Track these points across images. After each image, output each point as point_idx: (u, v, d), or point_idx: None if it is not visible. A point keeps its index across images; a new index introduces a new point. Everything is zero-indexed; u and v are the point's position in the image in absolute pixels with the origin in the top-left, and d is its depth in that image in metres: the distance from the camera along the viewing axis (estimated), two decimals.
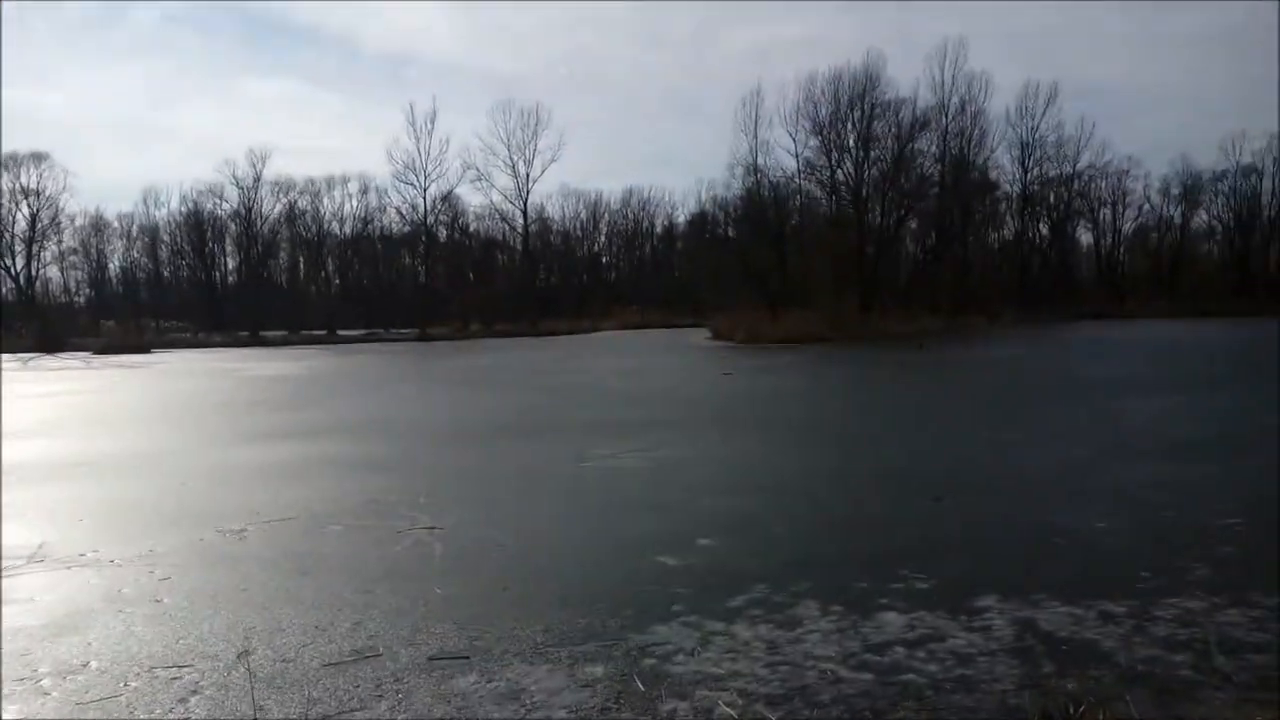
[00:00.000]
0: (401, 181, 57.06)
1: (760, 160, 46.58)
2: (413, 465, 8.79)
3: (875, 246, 44.22)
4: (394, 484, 7.68)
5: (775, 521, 6.04)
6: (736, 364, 23.22)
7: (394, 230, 65.44)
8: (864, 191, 44.59)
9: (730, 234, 51.92)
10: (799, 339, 33.65)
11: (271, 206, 62.16)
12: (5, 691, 3.55)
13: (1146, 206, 64.88)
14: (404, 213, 59.84)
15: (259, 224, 61.48)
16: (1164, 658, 3.60)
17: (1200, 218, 64.33)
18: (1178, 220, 64.20)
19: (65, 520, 6.62)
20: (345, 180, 63.81)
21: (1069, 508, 6.17)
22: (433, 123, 55.83)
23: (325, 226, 65.09)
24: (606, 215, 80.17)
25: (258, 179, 59.32)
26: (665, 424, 11.30)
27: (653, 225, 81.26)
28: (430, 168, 55.90)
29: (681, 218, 79.13)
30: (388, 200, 62.02)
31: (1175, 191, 63.12)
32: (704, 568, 5.00)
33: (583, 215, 79.13)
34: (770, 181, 46.84)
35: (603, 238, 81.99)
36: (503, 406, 14.45)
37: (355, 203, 64.31)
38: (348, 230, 65.75)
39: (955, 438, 9.95)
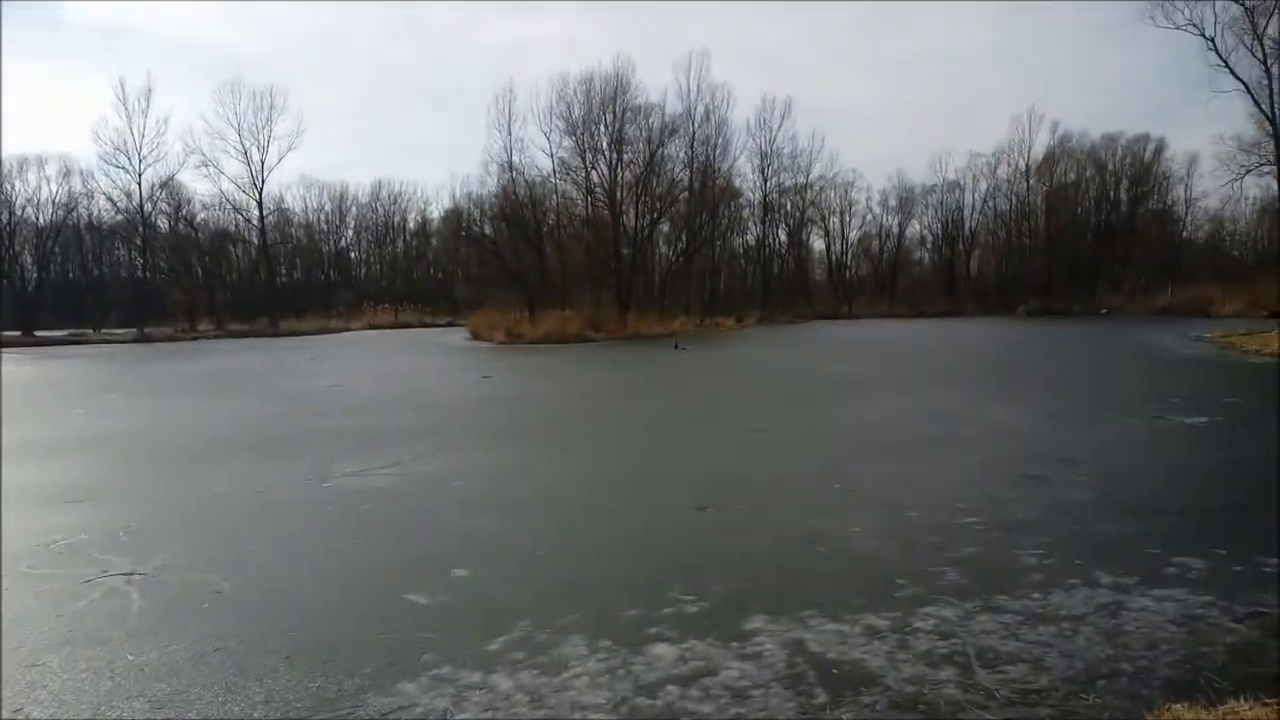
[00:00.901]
0: (111, 164, 50.65)
1: (515, 158, 46.13)
2: (115, 494, 7.51)
3: (630, 248, 45.12)
4: (89, 519, 6.47)
5: (537, 542, 5.63)
6: (495, 366, 22.63)
7: (104, 219, 58.30)
8: (618, 193, 45.36)
9: (487, 231, 50.94)
10: (558, 339, 33.59)
11: None
12: None
13: (869, 216, 71.37)
14: (115, 199, 53.34)
15: None
16: (929, 675, 3.57)
17: (914, 227, 71.68)
18: (895, 230, 71.14)
19: None
20: (42, 161, 55.88)
21: (824, 512, 6.26)
22: (148, 100, 50.01)
23: (19, 212, 56.70)
24: (354, 209, 76.31)
25: None
26: (419, 434, 10.57)
27: (405, 220, 78.37)
28: (146, 150, 50.07)
29: (435, 213, 76.81)
30: (95, 185, 55.04)
31: (893, 203, 69.91)
32: (459, 604, 4.49)
33: (328, 208, 74.78)
34: (526, 180, 46.51)
35: (351, 232, 77.98)
36: (233, 418, 12.99)
37: (55, 187, 56.52)
38: (46, 217, 57.69)
39: (715, 441, 10.05)
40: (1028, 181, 64.57)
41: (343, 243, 77.40)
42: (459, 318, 53.24)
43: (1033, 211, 64.65)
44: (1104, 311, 52.60)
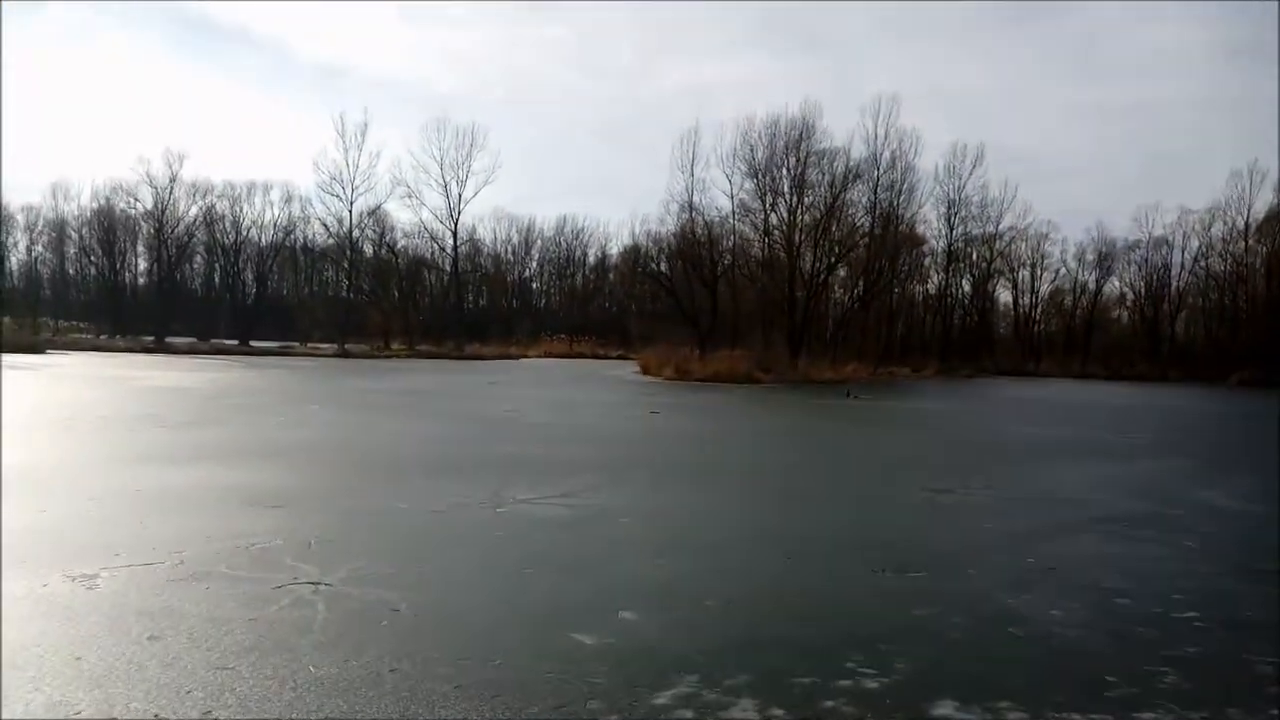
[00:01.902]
0: (327, 193, 55.48)
1: (695, 198, 46.70)
2: (307, 502, 7.95)
3: (806, 291, 44.52)
4: (282, 524, 6.86)
5: (707, 591, 5.45)
6: (664, 401, 22.73)
7: (317, 242, 63.54)
8: (796, 237, 44.95)
9: (663, 269, 51.73)
10: (727, 378, 33.42)
11: (187, 209, 59.68)
12: None
13: (1062, 270, 67.26)
14: (328, 225, 58.13)
15: (173, 226, 58.86)
16: None
17: (1113, 284, 66.92)
18: (1091, 285, 66.67)
19: None
20: (268, 187, 61.72)
21: (1018, 589, 5.74)
22: (363, 135, 54.55)
23: (244, 233, 62.75)
24: (539, 241, 79.65)
25: (173, 179, 56.93)
26: (588, 465, 10.66)
27: (585, 255, 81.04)
28: (358, 181, 54.51)
29: (614, 249, 79.01)
30: (312, 210, 60.19)
31: (1090, 258, 65.60)
32: (626, 649, 4.37)
33: (515, 239, 78.54)
34: (705, 220, 46.94)
35: (534, 264, 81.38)
36: (417, 436, 13.61)
37: (277, 211, 62.23)
38: (267, 239, 63.51)
39: (895, 499, 9.55)
40: (1246, 242, 59.03)
41: (526, 273, 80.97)
42: (630, 351, 54.17)
43: (1251, 274, 58.96)
44: None
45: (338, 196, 55.01)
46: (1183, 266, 62.78)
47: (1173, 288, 63.68)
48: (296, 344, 53.46)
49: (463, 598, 5.20)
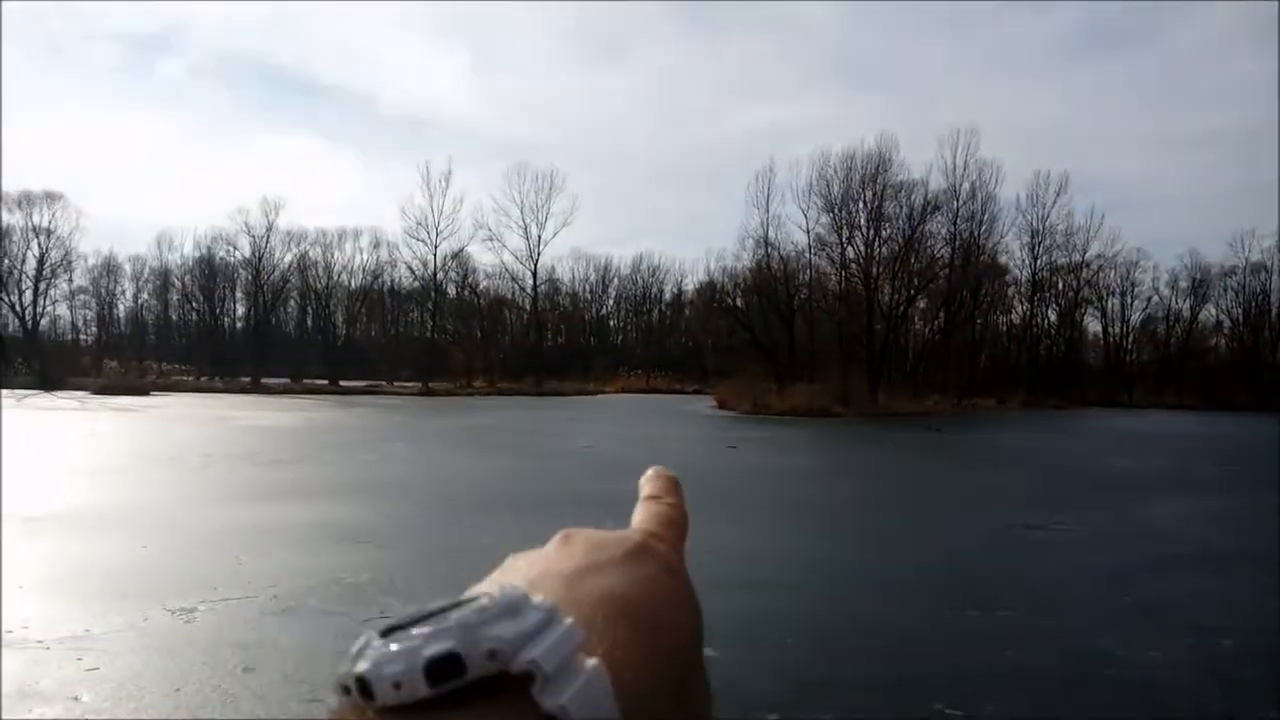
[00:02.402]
0: (413, 237, 57.35)
1: (771, 233, 46.71)
2: (394, 538, 8.17)
3: (885, 324, 43.89)
4: (370, 560, 7.06)
5: (789, 629, 5.41)
6: (742, 436, 22.61)
7: (403, 285, 65.51)
8: (874, 269, 44.50)
9: (739, 304, 51.68)
10: (805, 412, 33.09)
11: (282, 256, 62.28)
12: None
13: (1155, 298, 64.83)
14: (414, 268, 59.95)
15: (269, 272, 61.48)
16: None
17: (1208, 312, 64.17)
18: (1186, 313, 64.04)
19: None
20: (357, 234, 64.01)
21: (1115, 629, 5.53)
22: (447, 181, 56.25)
23: (335, 278, 65.12)
24: (616, 280, 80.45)
25: (270, 228, 59.52)
26: None
27: (661, 291, 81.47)
28: (442, 225, 56.21)
29: (690, 285, 79.21)
30: (398, 255, 62.17)
31: (1184, 285, 63.13)
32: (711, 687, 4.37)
33: (592, 278, 79.44)
34: (780, 255, 46.85)
35: (611, 301, 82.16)
36: (499, 472, 13.84)
37: (366, 256, 64.43)
38: (357, 283, 65.77)
39: (983, 535, 9.31)
40: None
41: (603, 311, 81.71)
42: (706, 386, 54.07)
43: None
44: None
45: (423, 241, 56.84)
46: None
47: (1273, 314, 60.74)
48: (383, 383, 54.96)
49: None
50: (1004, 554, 8.19)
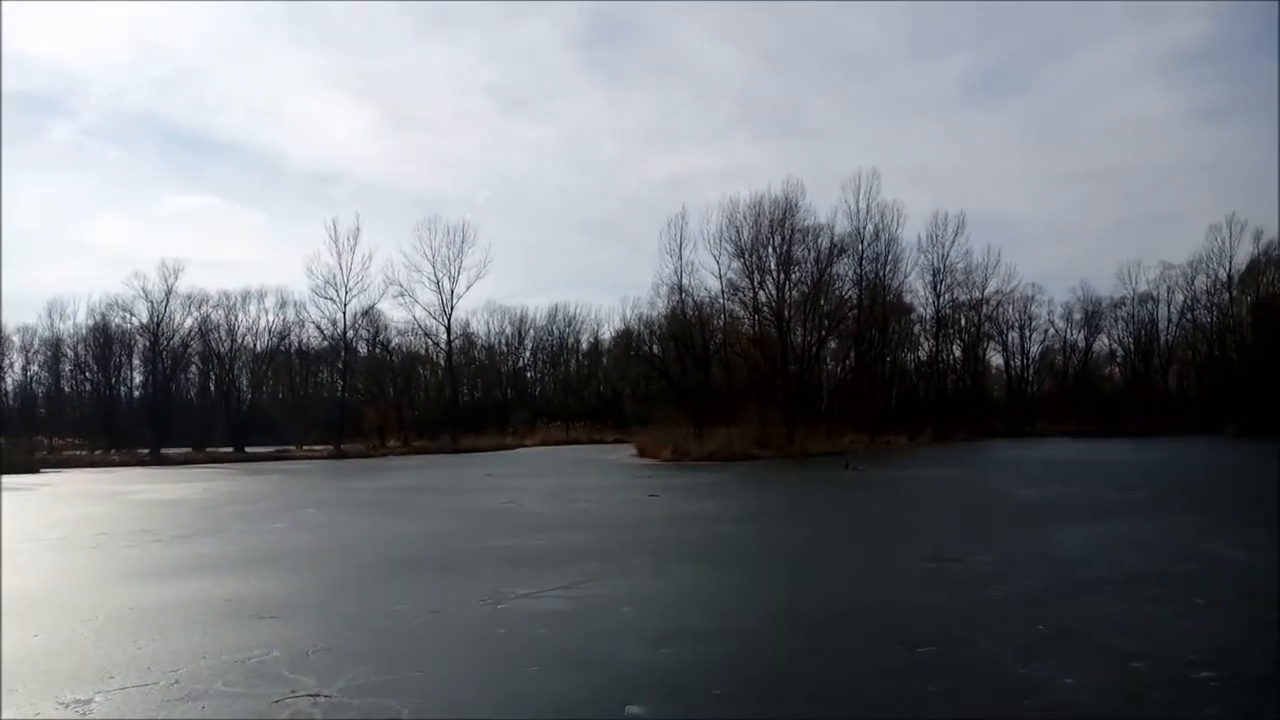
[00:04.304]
0: (321, 296, 55.97)
1: (684, 280, 47.33)
2: (305, 610, 7.82)
3: (798, 365, 44.73)
4: (281, 635, 6.73)
5: (715, 680, 5.35)
6: (662, 484, 22.59)
7: (311, 345, 63.92)
8: (786, 312, 45.40)
9: (655, 350, 52.05)
10: (725, 457, 33.31)
11: (182, 320, 60.11)
12: None
13: (1051, 330, 67.95)
14: (322, 327, 58.57)
15: (168, 337, 59.20)
16: None
17: (1102, 341, 67.51)
18: (1081, 344, 67.24)
19: None
20: (262, 294, 62.28)
21: (1033, 657, 5.64)
22: (355, 239, 55.28)
23: (239, 340, 63.09)
24: (532, 331, 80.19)
25: (169, 292, 57.44)
26: (588, 554, 10.55)
27: (578, 341, 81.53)
28: (351, 283, 55.09)
29: (607, 334, 79.55)
30: (306, 314, 60.68)
31: (1077, 316, 66.34)
32: None
33: (508, 331, 79.00)
34: (694, 301, 47.47)
35: (528, 353, 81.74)
36: (415, 534, 13.47)
37: (271, 317, 62.69)
38: (263, 344, 63.85)
39: (901, 570, 9.45)
40: (1230, 293, 59.83)
41: (520, 363, 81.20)
42: (626, 435, 54.06)
43: (1238, 324, 59.58)
44: None
45: (331, 299, 55.62)
46: (1169, 320, 63.56)
47: (1161, 342, 64.27)
48: (292, 447, 53.15)
49: (466, 700, 5.09)
50: (922, 589, 8.31)
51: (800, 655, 5.99)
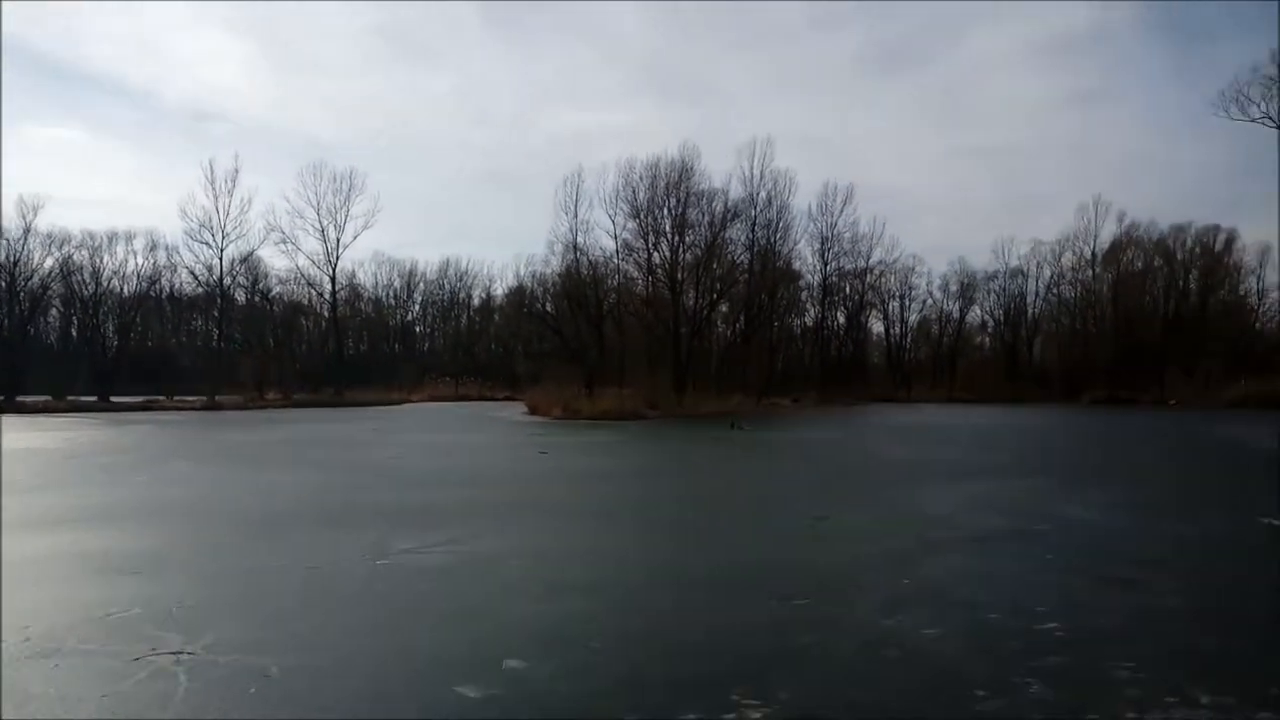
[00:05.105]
0: (195, 240, 53.23)
1: (580, 239, 47.08)
2: (172, 565, 7.51)
3: (689, 327, 45.26)
4: (144, 591, 6.44)
5: (594, 632, 5.41)
6: (552, 441, 22.59)
7: (185, 291, 60.77)
8: (679, 274, 45.78)
9: (549, 309, 51.72)
10: (615, 416, 33.55)
11: (42, 260, 56.13)
12: None
13: (929, 300, 70.89)
14: (197, 273, 55.70)
15: (25, 278, 55.19)
16: None
17: (975, 313, 70.87)
18: (955, 314, 70.39)
19: None
20: (130, 236, 58.66)
21: (898, 611, 5.92)
22: (234, 181, 52.77)
23: (105, 284, 59.38)
24: (422, 285, 78.42)
25: (27, 229, 53.53)
26: (475, 510, 10.47)
27: (470, 297, 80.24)
28: (229, 227, 52.57)
29: (499, 290, 78.59)
30: (179, 259, 57.56)
31: (954, 288, 69.37)
32: (510, 699, 4.29)
33: (396, 284, 77.06)
34: (589, 260, 47.30)
35: (417, 307, 79.99)
36: (295, 489, 13.07)
37: (141, 260, 59.20)
38: (130, 289, 60.29)
39: (780, 528, 9.75)
40: (1093, 270, 63.78)
41: (409, 317, 79.42)
42: (517, 392, 53.79)
43: (1099, 300, 63.54)
44: (1172, 402, 50.86)
45: (207, 244, 52.93)
46: (1037, 294, 67.20)
47: (1029, 314, 67.95)
48: (162, 398, 50.61)
49: (340, 657, 4.99)
50: (799, 545, 8.60)
51: (680, 609, 6.12)
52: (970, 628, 5.51)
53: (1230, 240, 59.94)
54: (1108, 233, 62.85)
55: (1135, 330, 60.12)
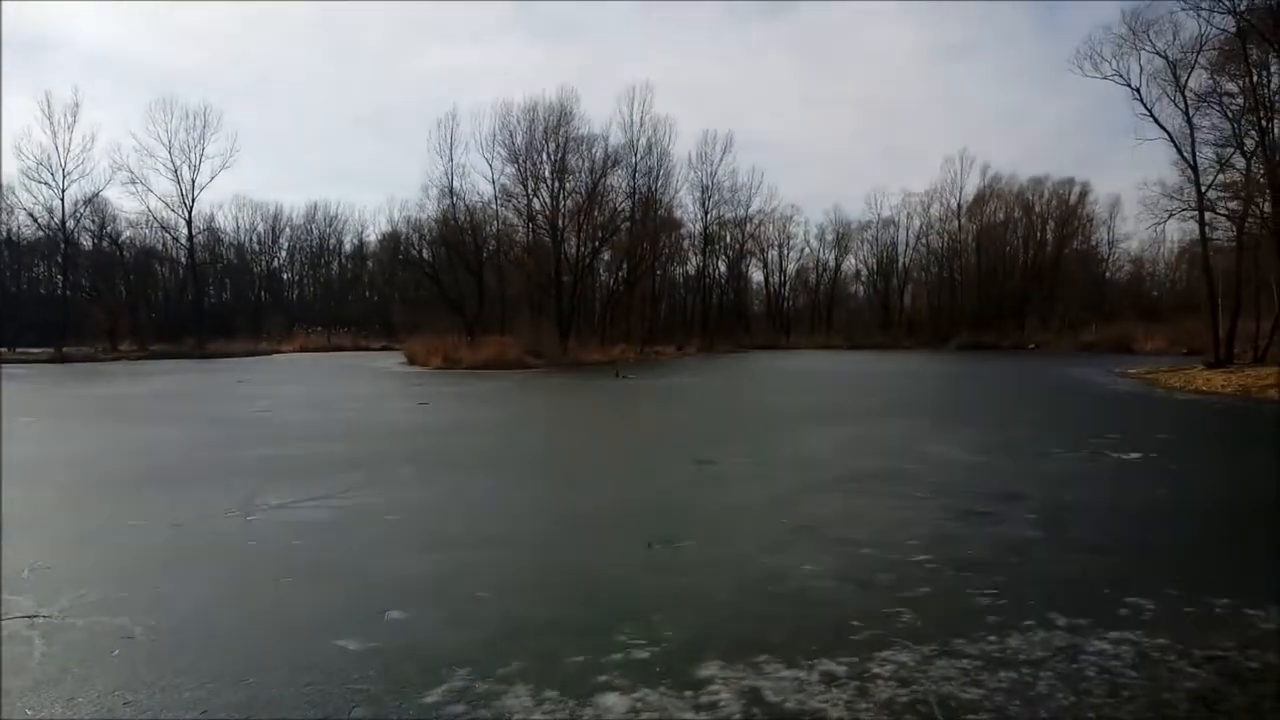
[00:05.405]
0: (33, 179, 48.89)
1: (456, 183, 45.82)
2: (21, 526, 6.98)
3: (571, 275, 44.97)
4: None
5: (476, 583, 5.34)
6: (432, 392, 22.15)
7: (23, 235, 56.04)
8: (560, 221, 45.27)
9: (425, 256, 50.32)
10: (498, 365, 33.16)
11: None
12: None
13: (806, 249, 72.63)
14: (36, 215, 51.36)
15: None
16: None
17: (850, 262, 73.12)
18: (831, 263, 72.46)
19: None
20: None
21: (776, 549, 6.10)
22: (74, 116, 48.46)
23: None
24: (288, 230, 74.85)
25: None
26: (351, 463, 10.16)
27: (341, 243, 77.18)
28: (70, 166, 48.48)
29: (372, 237, 75.94)
30: (15, 200, 52.87)
31: (830, 238, 71.26)
32: (394, 650, 4.20)
33: (260, 228, 73.32)
34: (466, 205, 46.17)
35: (284, 253, 76.42)
36: (152, 445, 12.35)
37: None
38: None
39: (663, 473, 9.88)
40: (959, 220, 66.62)
41: (275, 264, 75.86)
42: (395, 342, 52.41)
43: (964, 249, 66.59)
44: (1032, 346, 54.14)
45: (46, 184, 48.74)
46: (908, 244, 69.78)
47: (900, 264, 70.60)
48: (4, 349, 46.89)
49: (209, 616, 4.77)
50: (683, 489, 8.75)
51: (564, 556, 6.13)
52: (846, 563, 5.73)
53: (1084, 193, 63.68)
54: (972, 185, 65.77)
55: (998, 279, 63.42)
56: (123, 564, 5.84)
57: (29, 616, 4.66)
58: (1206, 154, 29.13)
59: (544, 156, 45.21)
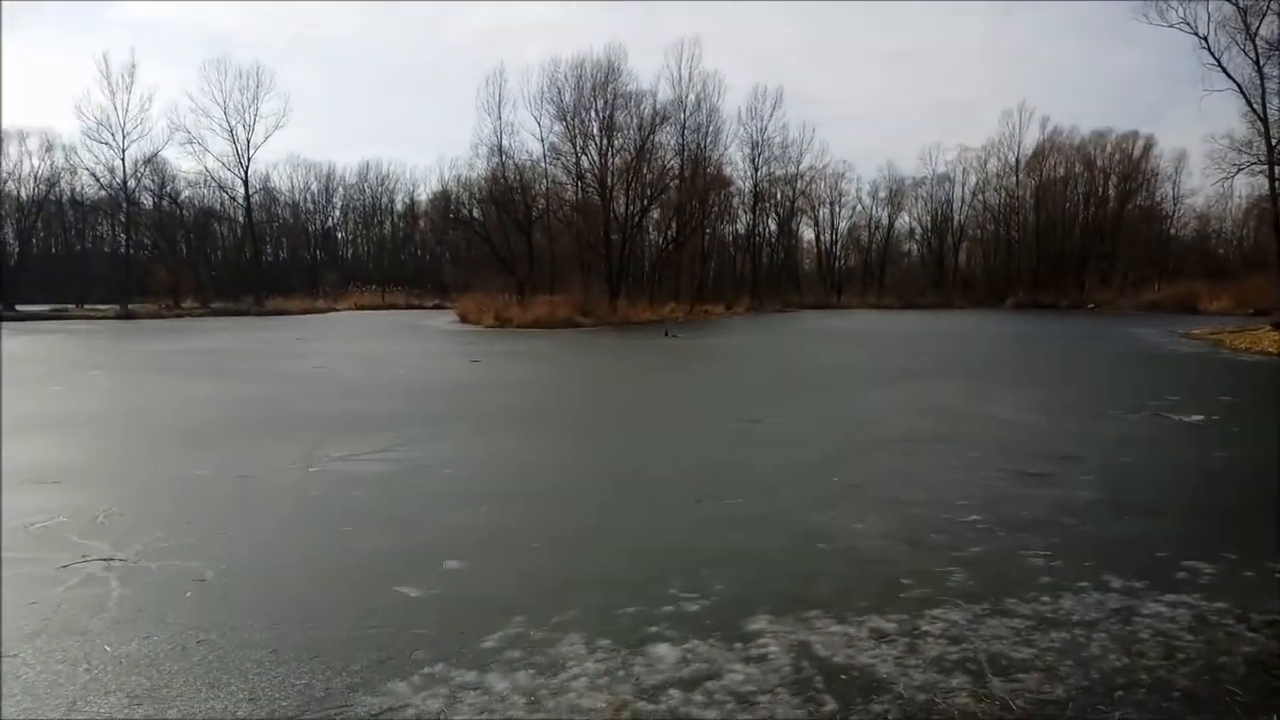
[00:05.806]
0: (94, 140, 49.96)
1: (505, 142, 45.76)
2: (95, 475, 7.30)
3: (621, 234, 44.85)
4: (68, 501, 6.26)
5: (532, 535, 5.47)
6: (485, 350, 22.42)
7: (87, 194, 57.50)
8: (609, 179, 45.04)
9: (476, 215, 50.56)
10: (548, 324, 33.37)
11: None
12: None
13: (859, 207, 71.33)
14: (98, 175, 52.61)
15: None
16: (940, 683, 3.43)
17: (903, 219, 71.68)
18: (884, 221, 71.13)
19: None
20: (24, 135, 54.93)
21: (826, 507, 6.12)
22: (132, 76, 49.27)
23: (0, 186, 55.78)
24: (342, 189, 75.66)
25: None
26: (408, 418, 10.38)
27: (393, 202, 77.78)
28: (130, 126, 49.42)
29: (423, 196, 76.41)
30: (77, 160, 54.15)
31: (883, 195, 69.85)
32: (452, 598, 4.33)
33: (314, 187, 74.20)
34: (515, 164, 46.15)
35: (337, 212, 77.35)
36: (217, 399, 12.75)
37: (37, 161, 55.60)
38: (28, 193, 56.79)
39: (710, 431, 9.92)
40: (1017, 176, 64.68)
41: (329, 223, 76.91)
42: (446, 300, 52.96)
43: (1022, 206, 64.76)
44: (1091, 306, 52.78)
45: (107, 144, 49.83)
46: (963, 201, 68.11)
47: (955, 221, 69.00)
48: (71, 306, 48.45)
49: (276, 562, 4.96)
50: (733, 447, 8.78)
51: (614, 510, 6.23)
52: (896, 522, 5.73)
53: (1148, 147, 61.31)
54: (1031, 139, 63.77)
55: (1056, 236, 61.73)
56: (192, 512, 6.08)
57: (105, 560, 4.90)
58: (1277, 105, 27.86)
59: (592, 114, 44.89)
